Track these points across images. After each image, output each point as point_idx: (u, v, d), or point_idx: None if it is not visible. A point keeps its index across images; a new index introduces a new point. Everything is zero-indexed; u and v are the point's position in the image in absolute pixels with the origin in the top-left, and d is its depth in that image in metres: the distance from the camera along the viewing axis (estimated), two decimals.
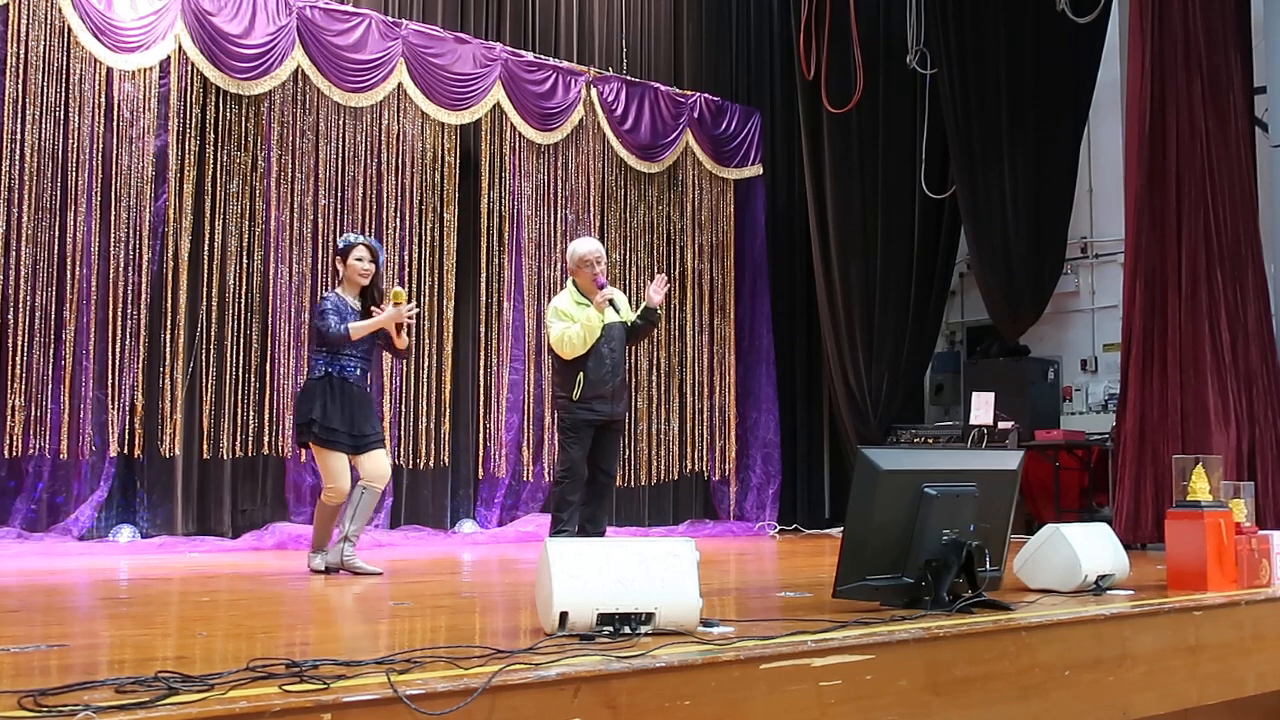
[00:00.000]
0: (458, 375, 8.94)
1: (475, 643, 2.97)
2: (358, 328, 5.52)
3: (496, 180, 9.23)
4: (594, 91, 9.76)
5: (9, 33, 7.25)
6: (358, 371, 5.59)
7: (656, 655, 2.52)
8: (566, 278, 6.41)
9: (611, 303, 6.13)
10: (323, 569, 5.50)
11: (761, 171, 10.87)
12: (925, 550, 3.43)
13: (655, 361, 10.11)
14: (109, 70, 7.54)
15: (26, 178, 7.26)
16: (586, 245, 6.25)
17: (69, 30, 7.39)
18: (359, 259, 5.65)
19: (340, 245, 5.80)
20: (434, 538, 8.50)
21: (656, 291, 6.19)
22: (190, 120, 7.84)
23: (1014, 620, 3.27)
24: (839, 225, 10.46)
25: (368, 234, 7.97)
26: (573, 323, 6.02)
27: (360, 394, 5.61)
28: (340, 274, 5.72)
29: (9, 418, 7.11)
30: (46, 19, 7.36)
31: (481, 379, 9.06)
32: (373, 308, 5.66)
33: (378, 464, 5.60)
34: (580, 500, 6.09)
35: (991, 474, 3.71)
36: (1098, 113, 9.81)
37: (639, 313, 6.28)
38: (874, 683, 2.82)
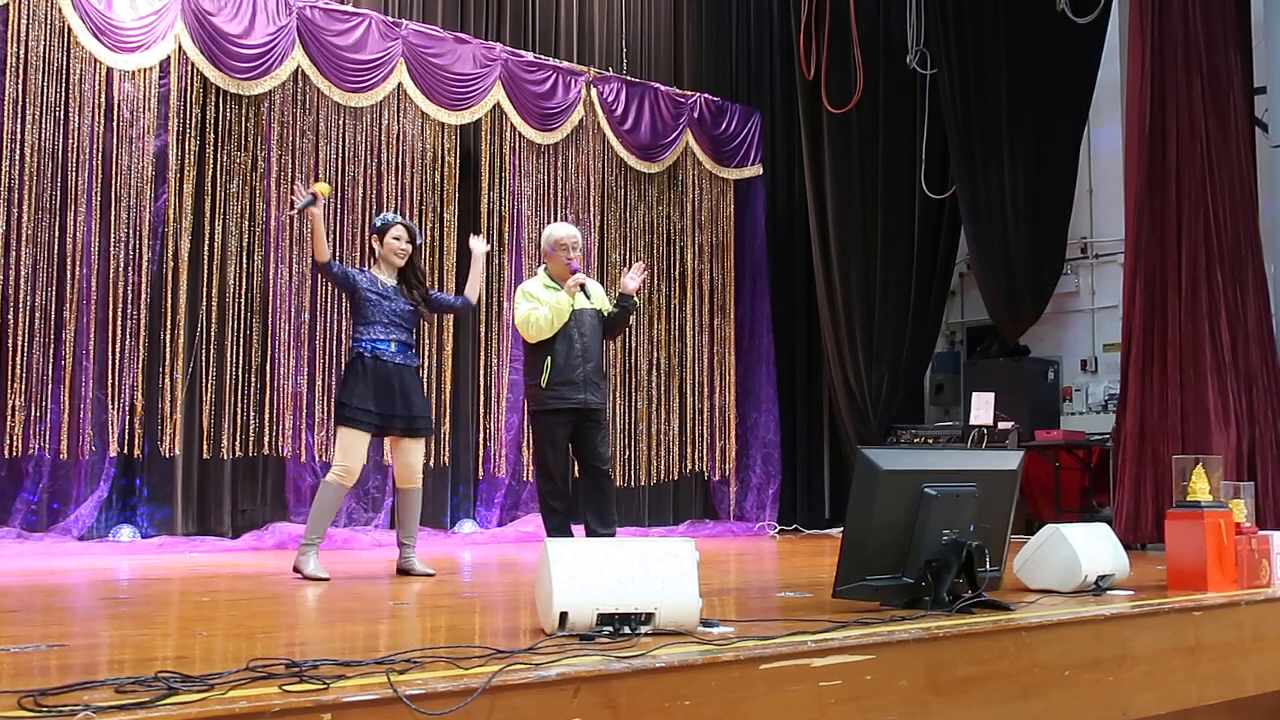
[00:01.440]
0: (458, 375, 8.94)
1: (475, 643, 2.97)
2: (316, 244, 5.40)
3: (496, 180, 9.23)
4: (594, 91, 9.76)
5: (9, 33, 7.25)
6: (391, 348, 5.43)
7: (656, 655, 2.52)
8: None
9: (583, 288, 5.93)
10: (321, 575, 5.15)
11: (761, 171, 10.87)
12: (925, 550, 3.43)
13: (655, 361, 10.11)
14: (109, 70, 7.54)
15: (26, 178, 7.26)
16: (562, 229, 6.10)
17: (69, 30, 7.39)
18: (396, 237, 5.55)
19: (377, 224, 5.66)
20: (434, 538, 8.48)
21: (632, 279, 6.00)
22: (190, 120, 7.84)
23: (1014, 620, 3.27)
24: (839, 225, 10.46)
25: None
26: (540, 305, 5.84)
27: (397, 373, 5.43)
28: (375, 252, 5.61)
29: (9, 418, 7.11)
30: (46, 19, 7.36)
31: (481, 379, 9.06)
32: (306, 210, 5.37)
33: (410, 459, 5.51)
34: (568, 509, 5.98)
35: (991, 474, 3.71)
36: (1098, 113, 9.81)
37: (615, 301, 6.08)
38: (874, 683, 2.82)
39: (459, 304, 6.03)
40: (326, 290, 8.26)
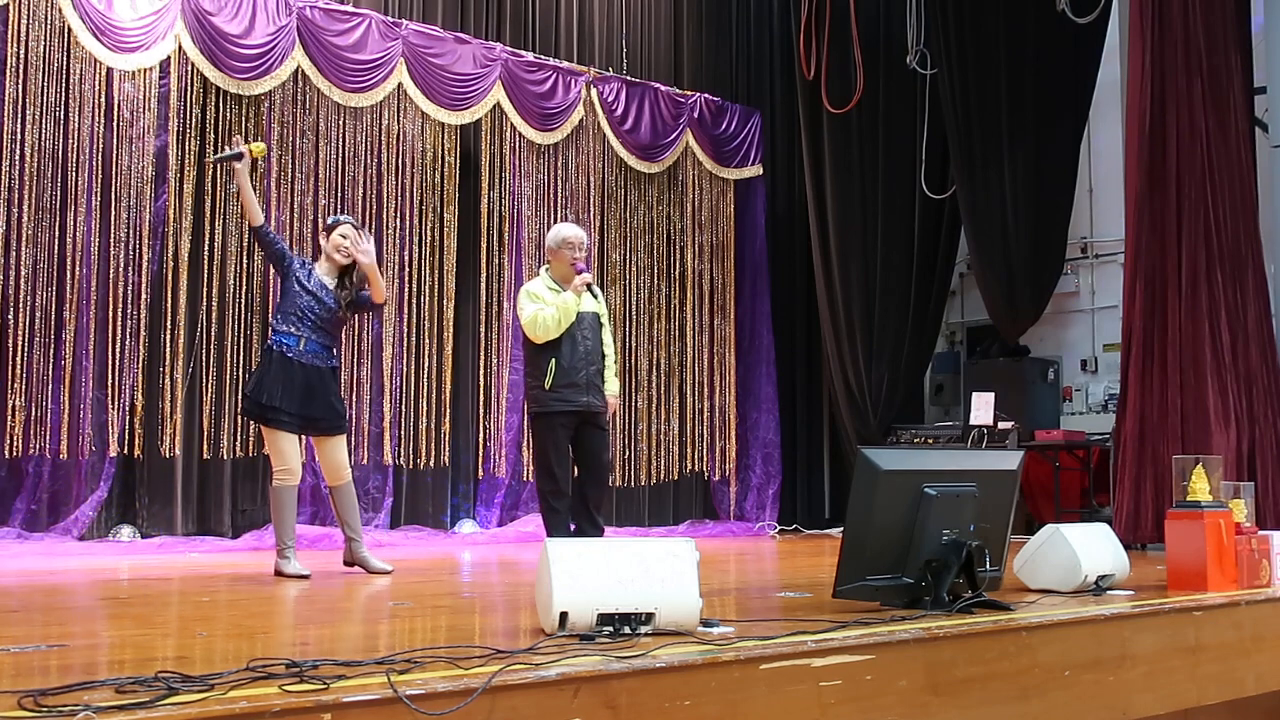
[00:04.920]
0: (458, 375, 8.94)
1: (475, 643, 2.97)
2: (245, 206, 5.39)
3: (496, 180, 9.23)
4: (594, 91, 9.76)
5: (9, 33, 7.25)
6: (300, 345, 5.30)
7: (656, 655, 2.52)
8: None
9: (589, 288, 5.94)
10: (302, 573, 5.19)
11: (761, 172, 10.87)
12: (925, 550, 3.42)
13: (655, 361, 10.11)
14: (109, 70, 7.54)
15: (26, 178, 7.26)
16: (570, 229, 6.07)
17: (69, 30, 7.39)
18: (343, 235, 5.45)
19: (328, 221, 5.63)
20: (434, 538, 8.50)
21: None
22: (190, 120, 7.84)
23: (1014, 620, 3.27)
24: (839, 225, 10.46)
25: (368, 233, 7.86)
26: (546, 305, 5.83)
27: (309, 372, 5.32)
28: (323, 248, 5.52)
29: (9, 418, 7.11)
30: (46, 19, 7.36)
31: (481, 379, 9.06)
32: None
33: (331, 458, 5.43)
34: (568, 508, 5.97)
35: (991, 474, 3.70)
36: (1098, 113, 9.81)
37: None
38: (874, 683, 2.82)
39: (366, 300, 5.63)
40: None
